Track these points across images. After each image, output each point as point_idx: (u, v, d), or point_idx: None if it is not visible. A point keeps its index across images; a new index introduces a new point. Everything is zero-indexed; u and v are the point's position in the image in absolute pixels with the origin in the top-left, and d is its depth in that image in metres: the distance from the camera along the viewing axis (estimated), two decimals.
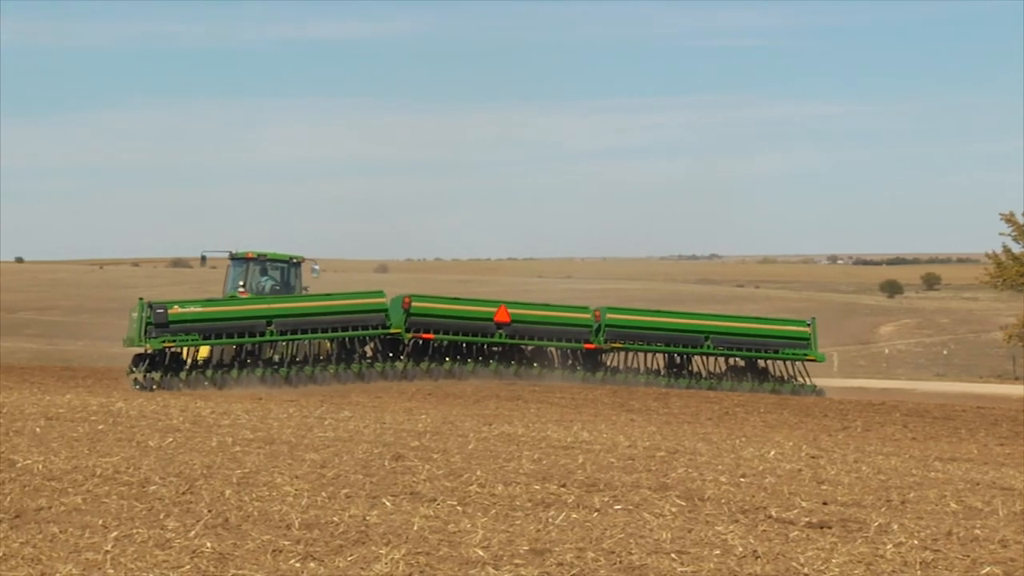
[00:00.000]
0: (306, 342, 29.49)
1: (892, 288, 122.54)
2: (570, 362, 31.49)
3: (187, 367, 28.07)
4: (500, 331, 30.71)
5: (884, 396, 31.58)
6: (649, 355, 31.85)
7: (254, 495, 11.13)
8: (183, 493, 11.16)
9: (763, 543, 9.48)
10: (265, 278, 32.12)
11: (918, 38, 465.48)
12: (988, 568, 8.88)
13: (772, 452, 15.92)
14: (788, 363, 32.26)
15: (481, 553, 8.92)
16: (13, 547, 8.85)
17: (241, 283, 31.66)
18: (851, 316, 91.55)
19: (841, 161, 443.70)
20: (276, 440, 15.56)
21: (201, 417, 18.52)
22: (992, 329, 73.81)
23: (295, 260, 32.52)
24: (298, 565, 8.52)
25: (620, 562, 8.80)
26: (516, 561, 8.72)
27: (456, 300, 32.08)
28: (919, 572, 8.75)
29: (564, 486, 12.09)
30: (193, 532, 9.43)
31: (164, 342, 27.57)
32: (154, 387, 27.02)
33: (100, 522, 9.77)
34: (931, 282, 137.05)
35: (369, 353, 30.00)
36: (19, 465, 12.66)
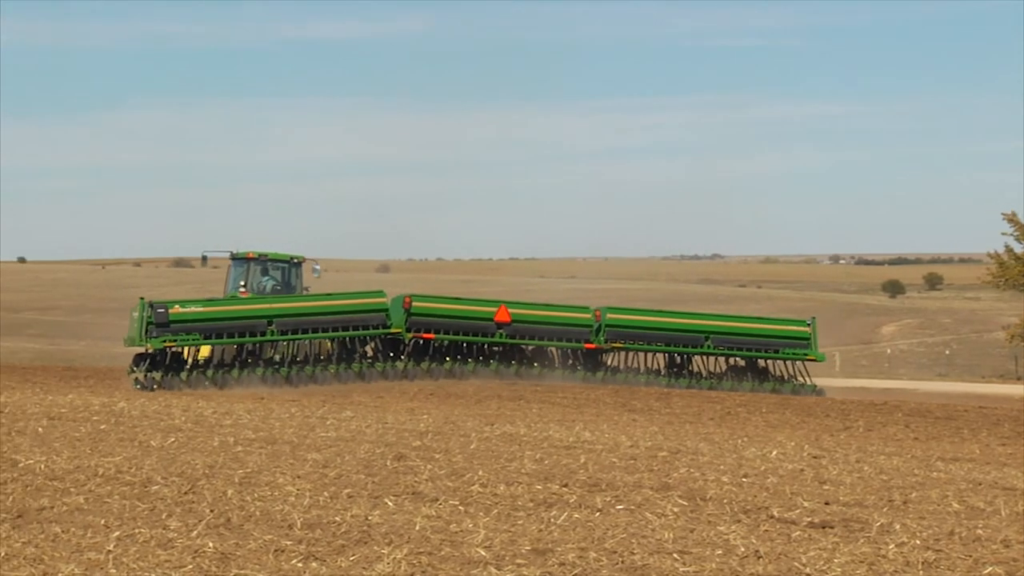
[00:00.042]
0: (307, 342, 29.51)
1: (894, 288, 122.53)
2: (570, 362, 31.51)
3: (188, 367, 28.09)
4: (501, 331, 30.73)
5: (886, 396, 31.57)
6: (649, 355, 31.87)
7: (256, 495, 11.13)
8: (185, 493, 11.17)
9: (765, 543, 9.48)
10: (266, 278, 32.15)
11: (918, 38, 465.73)
12: (990, 568, 8.88)
13: (774, 452, 15.92)
14: (788, 363, 32.28)
15: (483, 553, 8.92)
16: (15, 547, 8.85)
17: (242, 283, 31.69)
18: (853, 316, 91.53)
19: (841, 161, 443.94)
20: (278, 440, 15.57)
21: (203, 417, 18.53)
22: (994, 329, 73.76)
23: (296, 260, 32.55)
24: (300, 565, 8.52)
25: (622, 562, 8.80)
26: (518, 561, 8.72)
27: (457, 300, 32.11)
28: (921, 572, 8.75)
29: (566, 486, 12.10)
30: (195, 532, 9.43)
31: (165, 342, 27.59)
32: (155, 387, 27.03)
33: (102, 522, 9.77)
34: (933, 282, 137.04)
35: (370, 353, 30.02)
36: (21, 465, 12.67)
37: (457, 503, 10.97)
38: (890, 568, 8.81)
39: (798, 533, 9.99)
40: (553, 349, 31.61)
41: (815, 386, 31.71)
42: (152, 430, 16.39)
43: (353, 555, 8.80)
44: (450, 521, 10.11)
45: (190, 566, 8.41)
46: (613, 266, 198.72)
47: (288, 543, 9.11)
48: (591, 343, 31.27)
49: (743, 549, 9.24)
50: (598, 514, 10.63)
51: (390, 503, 10.87)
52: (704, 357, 32.14)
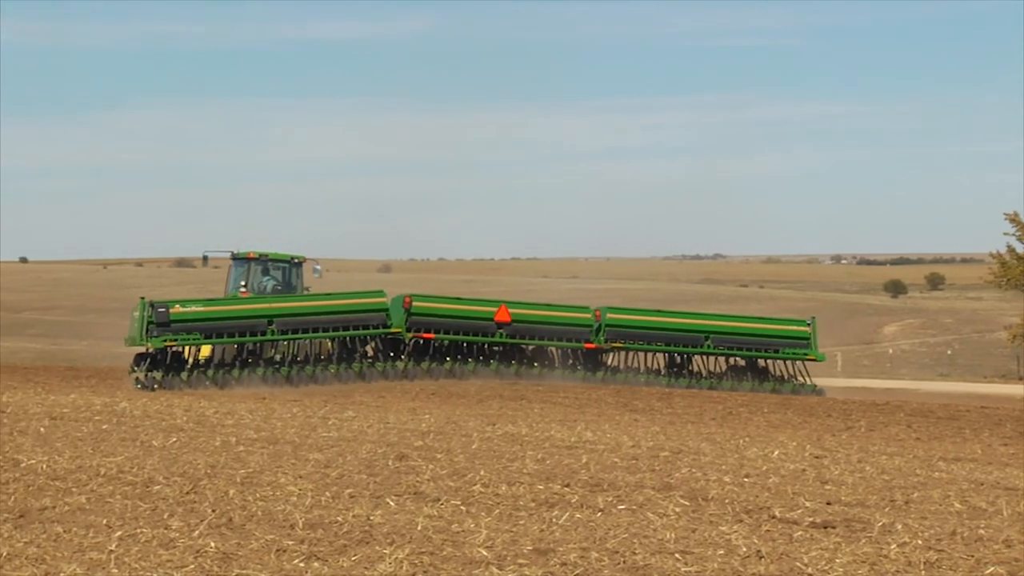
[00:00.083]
0: (307, 341, 29.53)
1: (896, 288, 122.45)
2: (571, 362, 31.54)
3: (188, 367, 28.11)
4: (501, 331, 30.76)
5: (888, 396, 31.57)
6: (649, 355, 31.89)
7: (258, 495, 11.13)
8: (187, 493, 11.17)
9: (767, 543, 9.48)
10: (267, 278, 32.19)
11: (918, 38, 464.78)
12: (992, 568, 8.88)
13: (776, 452, 15.92)
14: (788, 363, 32.29)
15: (485, 553, 8.92)
16: (17, 547, 8.86)
17: (243, 283, 31.73)
18: (855, 316, 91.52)
19: (841, 161, 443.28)
20: (280, 440, 15.57)
21: (205, 417, 18.54)
22: (996, 329, 73.72)
23: (296, 260, 32.60)
24: (302, 565, 8.52)
25: (624, 562, 8.80)
26: (520, 561, 8.73)
27: (457, 300, 32.15)
28: (923, 572, 8.75)
29: (568, 486, 12.10)
30: (197, 532, 9.43)
31: (165, 341, 27.61)
32: (155, 386, 27.04)
33: (104, 522, 9.78)
34: (935, 282, 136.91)
35: (370, 353, 30.05)
36: (23, 465, 12.68)
37: (459, 503, 10.97)
38: (892, 568, 8.81)
39: (800, 533, 9.99)
40: (553, 349, 31.63)
41: (815, 386, 31.73)
42: (154, 430, 16.40)
43: (355, 555, 8.80)
44: (452, 521, 10.11)
45: (192, 566, 8.41)
46: (615, 266, 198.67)
47: (290, 543, 9.12)
48: (591, 343, 31.30)
49: (745, 549, 9.24)
50: (600, 514, 10.63)
51: (392, 503, 10.87)
52: (704, 357, 32.17)
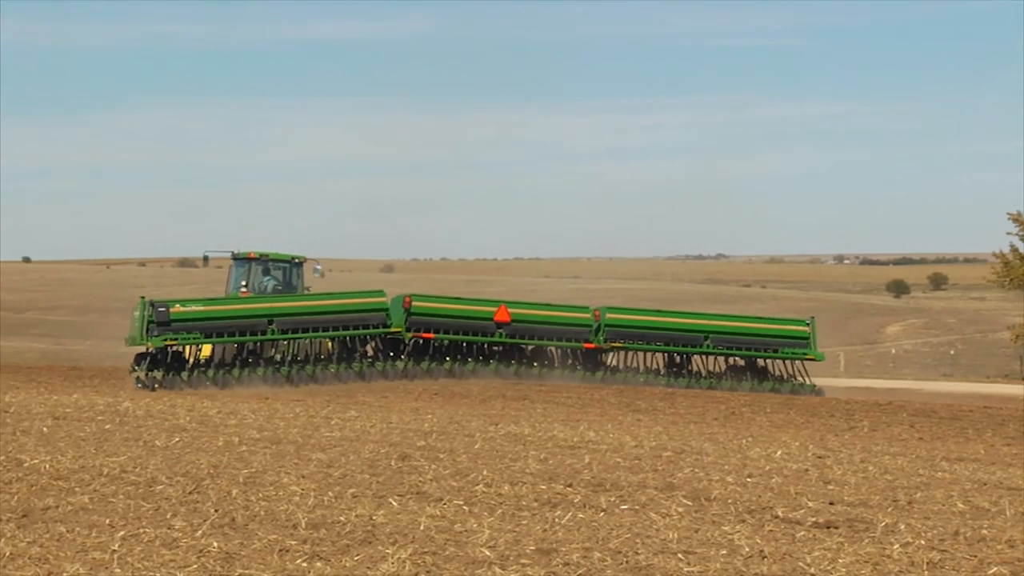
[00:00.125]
0: (307, 341, 29.56)
1: (899, 288, 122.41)
2: (570, 362, 31.56)
3: (189, 366, 28.13)
4: (500, 331, 30.79)
5: (891, 396, 31.56)
6: (649, 354, 31.91)
7: (261, 495, 11.14)
8: (190, 493, 11.17)
9: (770, 543, 9.48)
10: (267, 278, 32.24)
11: (918, 38, 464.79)
12: (995, 568, 8.88)
13: (779, 452, 15.92)
14: (788, 362, 32.30)
15: (487, 553, 8.92)
16: (20, 546, 8.86)
17: (243, 283, 31.78)
18: (857, 316, 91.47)
19: (841, 161, 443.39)
20: (283, 440, 15.58)
21: (208, 417, 18.54)
22: (999, 329, 73.70)
23: (297, 260, 32.65)
24: (304, 565, 8.52)
25: (626, 562, 8.80)
26: (522, 561, 8.73)
27: (456, 300, 32.21)
28: (926, 572, 8.74)
29: (570, 486, 12.10)
30: (200, 532, 9.44)
31: (166, 340, 27.63)
32: (156, 386, 27.06)
33: (107, 521, 9.78)
34: (938, 282, 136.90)
35: (370, 352, 30.08)
36: (26, 465, 12.68)
37: (461, 503, 10.97)
38: (895, 568, 8.80)
39: (803, 533, 9.98)
40: (553, 349, 31.66)
41: (814, 385, 31.75)
42: (157, 430, 16.40)
43: (357, 555, 8.80)
44: (454, 521, 10.11)
45: (195, 566, 8.41)
46: (617, 266, 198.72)
47: (292, 543, 9.12)
48: (590, 343, 31.33)
49: (747, 549, 9.23)
50: (602, 514, 10.63)
51: (394, 503, 10.88)
52: (703, 357, 32.19)
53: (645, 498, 11.48)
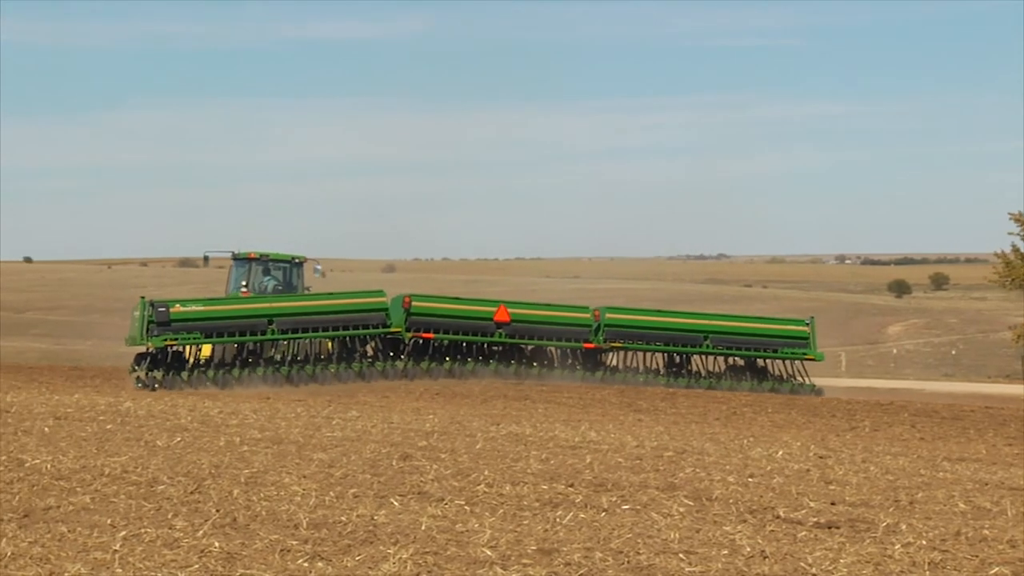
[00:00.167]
0: (307, 341, 29.57)
1: (900, 288, 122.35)
2: (570, 361, 31.57)
3: (189, 366, 28.15)
4: (500, 331, 30.80)
5: (892, 396, 31.55)
6: (648, 354, 31.92)
7: (262, 495, 11.14)
8: (191, 493, 11.18)
9: (771, 543, 9.48)
10: (267, 278, 32.25)
11: (918, 38, 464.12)
12: (997, 568, 8.87)
13: (780, 452, 15.92)
14: (787, 362, 32.31)
15: (489, 553, 8.92)
16: (22, 546, 8.86)
17: (244, 283, 31.80)
18: (859, 316, 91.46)
19: (841, 161, 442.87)
20: (284, 440, 15.58)
21: (209, 417, 18.55)
22: (1001, 329, 73.66)
23: (297, 260, 32.67)
24: (306, 565, 8.52)
25: (628, 562, 8.80)
26: (524, 561, 8.73)
27: (456, 300, 32.24)
28: (927, 572, 8.74)
29: (572, 486, 12.10)
30: (201, 532, 9.44)
31: (166, 340, 27.64)
32: (156, 386, 27.07)
33: (108, 521, 9.78)
34: (939, 282, 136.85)
35: (370, 352, 30.09)
36: (27, 465, 12.69)
37: (463, 503, 10.97)
38: (896, 568, 8.80)
39: (804, 533, 9.98)
40: (552, 349, 31.67)
41: (814, 385, 31.77)
42: (158, 430, 16.41)
43: (359, 555, 8.80)
44: (456, 521, 10.11)
45: (196, 566, 8.41)
46: (618, 266, 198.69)
47: (294, 543, 9.12)
48: (590, 343, 31.34)
49: (749, 549, 9.23)
50: (604, 514, 10.63)
51: (396, 503, 10.88)
52: (703, 357, 32.20)
53: (647, 498, 11.48)
